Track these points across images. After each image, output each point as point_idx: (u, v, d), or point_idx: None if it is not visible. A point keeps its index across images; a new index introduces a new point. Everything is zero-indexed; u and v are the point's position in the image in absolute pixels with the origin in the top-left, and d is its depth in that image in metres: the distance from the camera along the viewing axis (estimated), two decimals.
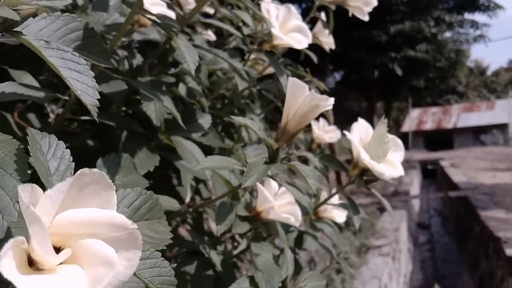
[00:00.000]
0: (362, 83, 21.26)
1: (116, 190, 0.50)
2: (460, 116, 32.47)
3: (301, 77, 1.79)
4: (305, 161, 1.70)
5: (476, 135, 31.57)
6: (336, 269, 5.42)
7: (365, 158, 1.19)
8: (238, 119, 0.93)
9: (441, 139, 31.66)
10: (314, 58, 1.95)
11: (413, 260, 9.47)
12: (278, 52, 1.81)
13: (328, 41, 2.04)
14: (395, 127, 36.47)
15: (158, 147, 1.28)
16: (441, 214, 14.27)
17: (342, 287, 4.85)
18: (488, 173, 14.02)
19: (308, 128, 2.38)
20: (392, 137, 1.31)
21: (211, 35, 2.02)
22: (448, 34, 22.08)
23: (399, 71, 19.12)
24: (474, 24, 20.20)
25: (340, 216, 1.73)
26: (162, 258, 0.65)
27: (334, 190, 1.40)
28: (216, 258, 1.12)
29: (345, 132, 1.25)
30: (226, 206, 0.99)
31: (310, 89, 0.95)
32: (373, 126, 1.30)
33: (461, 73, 33.84)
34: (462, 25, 20.65)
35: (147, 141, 1.21)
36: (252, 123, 0.96)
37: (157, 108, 1.06)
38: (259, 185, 1.19)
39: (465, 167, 16.23)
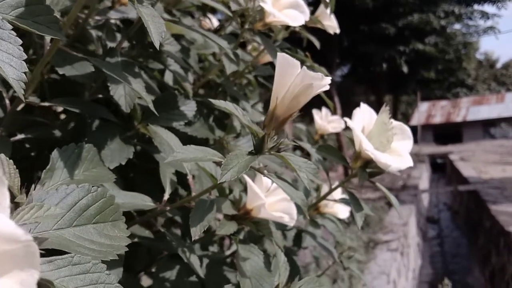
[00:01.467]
0: (370, 76, 21.04)
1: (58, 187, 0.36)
2: (470, 109, 32.27)
3: (301, 63, 1.65)
4: (308, 154, 1.56)
5: (486, 128, 31.39)
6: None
7: (368, 148, 1.05)
8: (217, 103, 0.79)
9: (450, 132, 31.53)
10: (317, 43, 1.81)
11: (422, 255, 9.38)
12: (275, 35, 1.68)
13: (331, 25, 1.88)
14: (404, 121, 36.24)
15: (137, 138, 1.14)
16: (450, 208, 14.17)
17: (349, 283, 4.76)
18: (498, 167, 13.87)
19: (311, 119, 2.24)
20: (398, 124, 1.16)
21: (214, 23, 1.87)
22: (457, 26, 21.81)
23: (405, 68, 18.92)
24: (484, 15, 19.89)
25: (343, 211, 1.60)
26: (108, 272, 0.51)
27: (335, 184, 1.25)
28: (196, 262, 0.98)
29: (346, 119, 1.10)
30: (205, 205, 0.85)
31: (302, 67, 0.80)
32: None
33: (470, 66, 33.59)
34: (471, 16, 20.34)
35: (122, 131, 1.07)
36: (234, 108, 0.82)
37: (127, 93, 0.92)
38: (248, 180, 1.05)
39: (474, 161, 16.09)
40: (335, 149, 1.15)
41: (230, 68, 1.22)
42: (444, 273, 8.47)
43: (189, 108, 1.15)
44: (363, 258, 5.58)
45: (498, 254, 7.30)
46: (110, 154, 0.99)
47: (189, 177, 0.95)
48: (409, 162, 1.11)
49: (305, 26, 1.82)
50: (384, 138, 1.10)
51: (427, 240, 10.71)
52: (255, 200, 1.06)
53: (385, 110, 1.09)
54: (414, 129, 29.99)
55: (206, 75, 1.45)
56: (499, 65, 46.61)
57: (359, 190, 9.48)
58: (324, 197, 1.30)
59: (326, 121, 2.20)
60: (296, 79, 0.81)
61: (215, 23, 1.87)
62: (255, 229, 1.06)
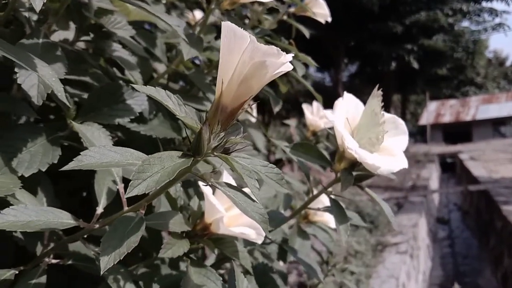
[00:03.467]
0: (378, 75, 20.82)
1: None
2: (479, 108, 31.97)
3: (284, 50, 1.46)
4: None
5: (496, 127, 31.09)
6: (350, 270, 5.15)
7: (351, 146, 0.85)
8: (141, 88, 0.60)
9: (459, 131, 31.28)
10: (306, 33, 1.63)
11: (432, 256, 9.20)
12: (263, 25, 1.50)
13: (322, 13, 1.69)
14: (413, 120, 36.11)
15: (72, 138, 0.94)
16: (461, 208, 13.97)
17: None
18: (509, 166, 13.63)
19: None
20: (391, 117, 0.97)
21: (197, 17, 1.68)
22: (465, 23, 21.58)
23: (415, 64, 18.71)
24: (493, 12, 19.61)
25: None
26: None
27: (316, 191, 1.05)
28: None
29: (325, 111, 0.90)
30: (128, 224, 0.64)
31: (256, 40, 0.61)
32: None
33: (479, 64, 33.30)
34: (479, 14, 20.08)
35: (52, 131, 0.87)
36: (167, 96, 0.62)
37: (41, 81, 0.72)
38: (204, 188, 0.85)
39: (485, 160, 15.84)
40: (314, 148, 0.95)
41: (189, 53, 1.02)
42: (455, 275, 8.34)
43: (137, 101, 0.96)
44: (371, 262, 5.41)
45: (510, 256, 7.13)
46: (29, 158, 0.79)
47: (119, 186, 0.75)
48: (403, 163, 0.90)
49: (293, 15, 1.66)
50: (373, 134, 0.90)
51: (437, 241, 10.51)
52: (213, 213, 0.86)
53: (377, 94, 0.89)
54: (423, 129, 29.87)
55: (169, 67, 1.25)
56: (508, 63, 46.17)
57: (365, 191, 9.26)
58: (305, 206, 1.09)
59: (318, 116, 2.00)
60: (244, 55, 0.61)
61: (198, 17, 1.69)
62: (212, 248, 0.86)
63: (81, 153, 0.59)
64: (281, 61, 0.62)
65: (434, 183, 13.79)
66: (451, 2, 18.93)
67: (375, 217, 6.87)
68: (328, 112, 0.93)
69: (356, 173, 0.97)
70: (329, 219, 1.43)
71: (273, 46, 0.60)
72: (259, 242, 0.88)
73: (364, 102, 0.94)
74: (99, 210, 0.80)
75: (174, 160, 0.58)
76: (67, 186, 1.09)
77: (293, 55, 0.65)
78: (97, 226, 0.74)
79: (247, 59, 0.61)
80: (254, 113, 2.52)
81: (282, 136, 8.19)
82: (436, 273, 8.64)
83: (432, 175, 13.92)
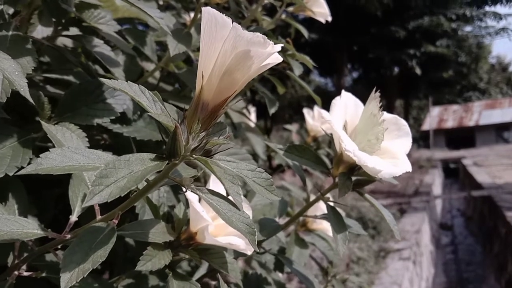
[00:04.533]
0: (381, 81, 20.74)
1: None
2: (482, 114, 31.90)
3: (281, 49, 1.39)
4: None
5: (499, 132, 31.01)
6: (351, 281, 5.09)
7: (349, 148, 0.78)
8: (108, 82, 0.53)
9: (462, 137, 31.22)
10: (305, 33, 1.56)
11: (435, 262, 9.11)
12: (260, 25, 1.44)
13: (322, 12, 1.63)
14: (415, 126, 36.05)
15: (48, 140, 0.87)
16: (464, 214, 13.89)
17: None
18: None
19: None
20: (392, 117, 0.89)
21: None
22: (468, 28, 21.50)
23: (418, 70, 18.64)
24: (496, 16, 19.52)
25: None
26: None
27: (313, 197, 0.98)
28: None
29: (322, 110, 0.83)
30: (96, 236, 0.56)
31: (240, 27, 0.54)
32: None
33: (482, 69, 33.24)
34: (482, 18, 19.99)
35: (25, 132, 0.80)
36: (133, 89, 0.55)
37: (7, 77, 0.65)
38: (188, 194, 0.77)
39: (488, 166, 15.75)
40: (309, 150, 0.88)
41: (176, 49, 0.95)
42: (458, 281, 8.28)
43: (119, 101, 0.88)
44: (374, 268, 5.35)
45: None
46: None
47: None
48: (407, 167, 0.83)
49: (291, 14, 1.60)
50: (372, 136, 0.82)
51: (440, 248, 10.42)
52: (198, 221, 0.79)
53: (374, 97, 0.82)
54: (426, 134, 29.78)
55: (157, 66, 1.18)
56: (511, 68, 46.04)
57: (364, 198, 9.19)
58: (301, 213, 1.02)
59: (319, 121, 1.92)
60: (226, 44, 0.54)
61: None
62: (198, 260, 0.79)
63: (41, 155, 0.52)
64: (268, 51, 0.55)
65: (437, 189, 13.71)
66: (454, 7, 18.87)
67: (377, 223, 6.80)
68: (325, 111, 0.86)
69: (355, 178, 0.90)
70: (328, 227, 1.35)
71: (259, 34, 0.53)
72: (249, 253, 0.81)
73: None
74: (73, 218, 0.73)
75: (144, 164, 0.51)
76: (54, 192, 1.03)
77: (282, 45, 0.58)
78: (68, 236, 0.67)
79: (229, 48, 0.54)
80: (253, 117, 2.45)
81: (285, 141, 8.12)
82: (439, 279, 8.56)
83: (435, 181, 13.84)
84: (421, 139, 34.02)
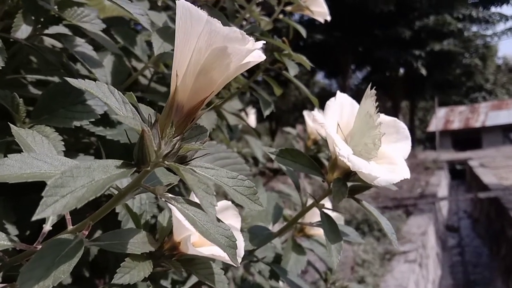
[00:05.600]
0: (386, 82, 20.67)
1: None
2: (489, 115, 31.75)
3: (276, 49, 1.34)
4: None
5: (506, 133, 30.85)
6: (357, 280, 5.05)
7: (343, 153, 0.73)
8: (73, 81, 0.48)
9: (469, 138, 31.08)
10: (303, 32, 1.52)
11: (442, 265, 9.05)
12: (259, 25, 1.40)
13: (321, 11, 1.59)
14: (421, 127, 35.97)
15: None
16: (471, 216, 13.81)
17: None
18: None
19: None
20: (390, 120, 0.84)
21: None
22: (474, 28, 21.41)
23: (423, 71, 18.57)
24: (503, 17, 19.42)
25: None
26: None
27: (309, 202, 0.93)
28: None
29: (314, 112, 0.78)
30: (60, 249, 0.51)
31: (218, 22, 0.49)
32: None
33: (488, 70, 33.12)
34: (489, 19, 19.90)
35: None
36: (102, 89, 0.51)
37: None
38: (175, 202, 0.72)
39: (495, 167, 15.66)
40: (302, 154, 0.83)
41: (160, 47, 0.90)
42: (465, 284, 8.21)
43: (99, 102, 0.84)
44: (379, 271, 5.30)
45: None
46: None
47: None
48: (405, 173, 0.78)
49: (290, 13, 1.56)
50: (369, 139, 0.77)
51: (447, 250, 10.36)
52: (181, 231, 0.74)
53: (370, 94, 0.77)
54: (432, 136, 29.69)
55: (145, 65, 1.13)
56: None
57: (375, 199, 9.16)
58: (295, 220, 0.97)
59: (320, 124, 1.87)
60: (200, 40, 0.49)
61: None
62: (180, 271, 0.74)
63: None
64: (248, 48, 0.50)
65: (443, 191, 13.63)
66: (460, 8, 18.79)
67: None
68: (318, 113, 0.81)
69: (351, 184, 0.85)
70: None
71: (236, 29, 0.48)
72: (236, 264, 0.76)
73: None
74: (47, 228, 0.68)
75: (108, 172, 0.46)
76: (33, 198, 0.98)
77: (265, 42, 0.53)
78: (39, 247, 0.62)
79: (204, 45, 0.49)
80: (253, 119, 2.40)
81: (289, 144, 8.07)
82: (446, 282, 8.50)
83: (442, 182, 13.76)
84: (427, 140, 33.90)
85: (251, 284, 1.06)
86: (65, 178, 0.43)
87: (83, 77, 0.96)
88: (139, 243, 0.71)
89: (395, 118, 0.86)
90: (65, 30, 1.02)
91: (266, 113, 1.29)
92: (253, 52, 0.52)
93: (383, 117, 0.83)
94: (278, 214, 1.19)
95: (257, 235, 0.93)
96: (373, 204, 8.35)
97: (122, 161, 0.49)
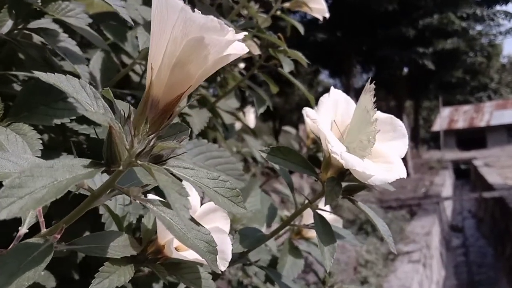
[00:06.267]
0: (390, 81, 20.58)
1: None
2: (493, 114, 31.65)
3: (271, 45, 1.31)
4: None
5: (511, 133, 30.72)
6: (360, 280, 5.02)
7: (335, 150, 0.69)
8: (42, 75, 0.45)
9: (473, 137, 31.00)
10: (301, 29, 1.50)
11: (446, 265, 9.01)
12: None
13: (319, 8, 1.57)
14: (426, 126, 35.89)
15: None
16: (475, 216, 13.76)
17: None
18: None
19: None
20: (387, 117, 0.80)
21: None
22: (479, 27, 21.30)
23: (430, 65, 18.46)
24: (508, 15, 19.31)
25: None
26: None
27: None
28: None
29: (306, 108, 0.75)
30: (27, 254, 0.47)
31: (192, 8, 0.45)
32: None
33: (493, 70, 33.03)
34: (493, 18, 19.79)
35: None
36: (72, 83, 0.47)
37: None
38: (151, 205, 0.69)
39: (500, 167, 15.61)
40: (294, 152, 0.79)
41: (146, 42, 0.87)
42: (470, 284, 8.19)
43: None
44: (382, 271, 5.28)
45: None
46: None
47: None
48: (401, 172, 0.74)
49: (288, 10, 1.54)
50: (364, 136, 0.73)
51: (451, 250, 10.32)
52: (165, 233, 0.71)
53: (369, 89, 0.73)
54: (436, 135, 29.60)
55: (134, 61, 1.10)
56: None
57: (379, 199, 9.12)
58: (288, 222, 0.93)
59: (312, 120, 1.82)
60: (175, 30, 0.46)
61: None
62: (164, 276, 0.71)
63: None
64: (227, 39, 0.46)
65: (447, 190, 13.59)
66: (464, 6, 18.70)
67: (386, 225, 6.72)
68: (310, 110, 0.77)
69: (346, 184, 0.81)
70: None
71: (214, 18, 0.44)
72: (222, 268, 0.72)
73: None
74: (22, 230, 0.64)
75: (74, 171, 0.42)
76: None
77: (246, 34, 0.50)
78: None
79: (179, 34, 0.45)
80: (252, 118, 2.36)
81: (290, 144, 8.03)
82: (450, 282, 8.47)
83: (446, 182, 13.72)
84: (431, 140, 33.81)
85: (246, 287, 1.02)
86: (23, 178, 0.39)
87: (67, 73, 0.92)
88: (119, 246, 0.67)
89: (392, 116, 0.82)
90: (55, 26, 0.99)
91: (260, 111, 1.26)
92: (235, 44, 0.49)
93: (379, 114, 0.79)
94: (273, 215, 1.15)
95: (248, 237, 0.89)
96: (377, 204, 8.31)
97: (90, 160, 0.45)
